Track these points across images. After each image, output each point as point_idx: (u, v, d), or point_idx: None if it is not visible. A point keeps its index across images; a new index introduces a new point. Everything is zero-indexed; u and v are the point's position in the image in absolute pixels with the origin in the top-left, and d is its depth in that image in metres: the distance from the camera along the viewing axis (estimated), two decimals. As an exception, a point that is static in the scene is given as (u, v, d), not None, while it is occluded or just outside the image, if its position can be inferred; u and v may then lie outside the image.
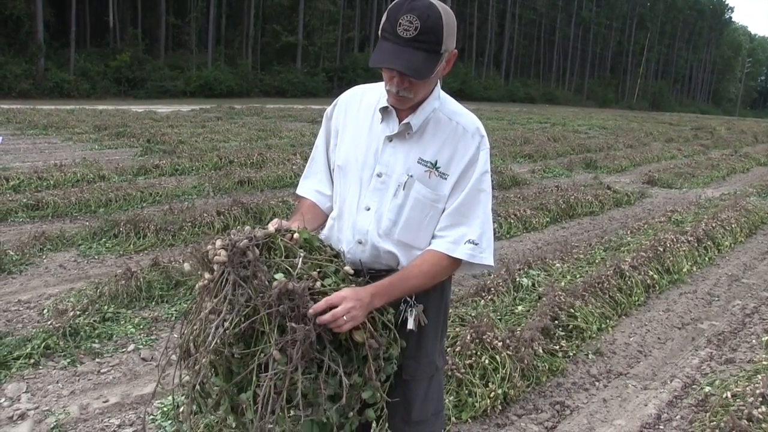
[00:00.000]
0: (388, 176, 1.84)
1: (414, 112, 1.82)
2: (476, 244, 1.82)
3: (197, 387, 1.64)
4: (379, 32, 1.72)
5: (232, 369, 1.62)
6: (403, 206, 1.84)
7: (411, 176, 1.82)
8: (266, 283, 1.56)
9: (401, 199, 1.84)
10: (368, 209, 1.87)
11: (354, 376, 1.65)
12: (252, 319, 1.55)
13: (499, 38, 66.02)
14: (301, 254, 1.66)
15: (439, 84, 1.86)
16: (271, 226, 1.70)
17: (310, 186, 2.07)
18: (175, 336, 1.77)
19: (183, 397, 1.71)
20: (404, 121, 1.82)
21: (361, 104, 1.94)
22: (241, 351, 1.59)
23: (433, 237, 1.87)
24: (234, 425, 1.69)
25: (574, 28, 72.49)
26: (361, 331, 1.66)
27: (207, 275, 1.62)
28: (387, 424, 1.77)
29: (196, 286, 1.67)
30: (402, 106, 1.81)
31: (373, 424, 1.76)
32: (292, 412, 1.58)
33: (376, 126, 1.88)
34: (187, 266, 1.68)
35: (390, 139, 1.84)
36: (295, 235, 1.70)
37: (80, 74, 32.27)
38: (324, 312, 1.59)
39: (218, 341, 1.54)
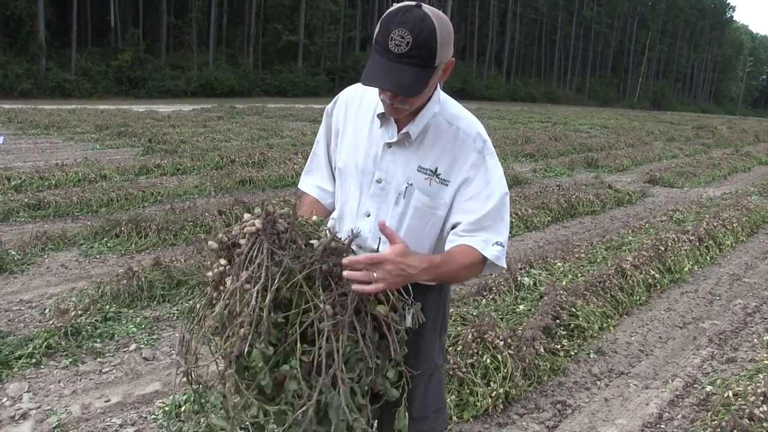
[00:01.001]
0: (387, 183, 1.83)
1: (413, 120, 1.79)
2: (503, 247, 1.83)
3: (240, 359, 1.56)
4: (373, 42, 1.68)
5: (270, 341, 1.56)
6: (404, 214, 1.84)
7: (411, 185, 1.81)
8: (303, 246, 1.56)
9: (402, 207, 1.83)
10: (368, 215, 1.86)
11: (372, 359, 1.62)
12: (298, 277, 1.52)
13: (501, 37, 65.97)
14: (325, 228, 1.67)
15: (439, 87, 1.83)
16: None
17: (311, 181, 2.07)
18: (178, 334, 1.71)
19: (218, 388, 1.64)
20: (403, 131, 1.80)
21: (362, 105, 1.92)
22: (284, 314, 1.54)
23: (460, 236, 1.83)
24: (259, 413, 1.60)
25: (575, 28, 72.42)
26: (383, 305, 1.64)
27: (222, 261, 1.60)
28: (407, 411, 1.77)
29: (211, 273, 1.63)
30: (397, 116, 1.78)
31: (397, 415, 1.76)
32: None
33: (375, 130, 1.86)
34: (213, 243, 1.64)
35: (389, 145, 1.83)
36: (314, 218, 1.71)
37: (81, 74, 32.25)
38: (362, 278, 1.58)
39: (258, 309, 1.50)
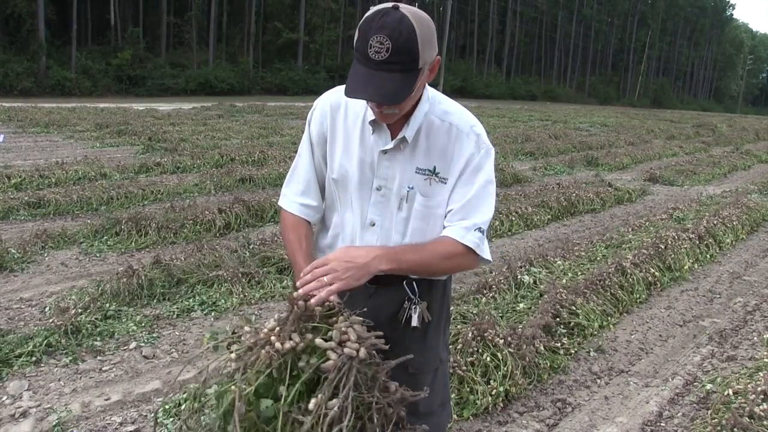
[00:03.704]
0: (388, 189, 1.80)
1: (407, 124, 1.76)
2: (482, 233, 1.79)
3: None
4: (354, 49, 1.61)
5: None
6: (408, 219, 1.82)
7: (411, 188, 1.79)
8: (382, 382, 1.50)
9: (406, 212, 1.81)
10: (373, 225, 1.84)
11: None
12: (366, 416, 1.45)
13: (501, 36, 65.93)
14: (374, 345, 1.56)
15: (427, 85, 1.79)
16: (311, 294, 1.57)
17: (294, 199, 1.94)
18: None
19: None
20: (398, 137, 1.76)
21: (348, 111, 1.85)
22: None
23: (446, 227, 1.81)
24: None
25: (575, 26, 72.38)
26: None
27: (297, 338, 1.47)
28: None
29: (264, 332, 1.49)
30: (389, 121, 1.74)
31: None
32: None
33: (367, 137, 1.81)
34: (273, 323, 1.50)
35: (384, 152, 1.79)
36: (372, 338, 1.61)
37: (81, 72, 32.22)
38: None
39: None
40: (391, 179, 1.80)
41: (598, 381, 3.70)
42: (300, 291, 1.54)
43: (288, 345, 1.47)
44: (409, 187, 1.79)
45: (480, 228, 1.78)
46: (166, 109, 21.51)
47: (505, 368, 3.36)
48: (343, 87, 1.88)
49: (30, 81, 29.11)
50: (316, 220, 1.97)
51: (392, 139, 1.79)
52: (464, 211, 1.79)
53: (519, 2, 65.18)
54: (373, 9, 1.58)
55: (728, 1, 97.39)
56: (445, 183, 1.80)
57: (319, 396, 1.43)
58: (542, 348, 3.74)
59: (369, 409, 1.48)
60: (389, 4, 1.57)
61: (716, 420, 3.09)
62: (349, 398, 1.42)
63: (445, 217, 1.83)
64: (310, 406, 1.42)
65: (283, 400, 1.44)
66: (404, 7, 1.56)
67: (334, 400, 1.42)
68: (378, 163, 1.80)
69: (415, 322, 1.83)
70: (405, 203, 1.81)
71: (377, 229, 1.84)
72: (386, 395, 1.53)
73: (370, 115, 1.77)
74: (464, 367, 3.33)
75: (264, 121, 18.39)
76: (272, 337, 1.47)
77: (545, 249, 6.18)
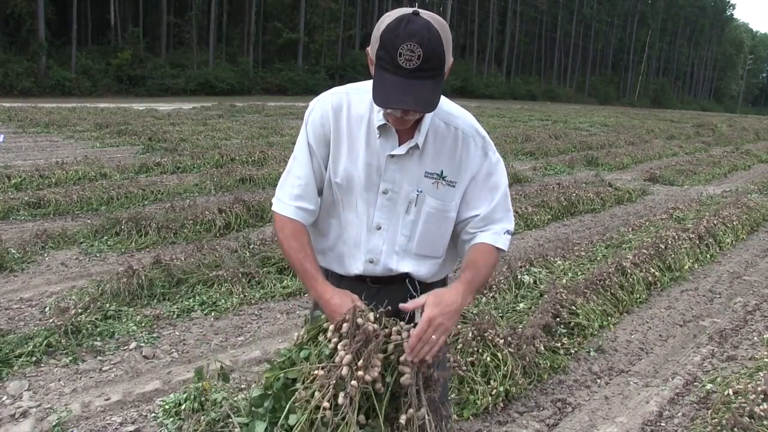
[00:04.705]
0: (395, 193, 1.80)
1: (418, 129, 1.76)
2: (510, 235, 1.88)
3: None
4: (373, 58, 1.60)
5: None
6: (416, 222, 1.83)
7: (420, 192, 1.80)
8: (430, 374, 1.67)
9: (414, 215, 1.82)
10: (379, 228, 1.84)
11: None
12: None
13: (501, 35, 65.92)
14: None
15: None
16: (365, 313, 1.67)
17: (290, 203, 1.87)
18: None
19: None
20: (410, 144, 1.76)
21: (350, 115, 1.81)
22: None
23: (471, 233, 1.87)
24: None
25: (575, 26, 72.38)
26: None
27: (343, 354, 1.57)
28: None
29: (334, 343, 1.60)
30: (405, 126, 1.74)
31: None
32: None
33: (373, 141, 1.78)
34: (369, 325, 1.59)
35: (392, 156, 1.78)
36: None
37: (82, 72, 32.21)
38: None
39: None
40: (398, 183, 1.80)
41: (598, 381, 3.70)
42: (412, 359, 1.59)
43: (375, 373, 1.54)
44: (418, 191, 1.80)
45: (509, 231, 1.88)
46: (166, 109, 21.51)
47: (505, 368, 3.36)
48: (341, 88, 1.88)
49: (30, 81, 29.10)
50: (311, 222, 1.93)
51: (399, 142, 1.78)
52: (491, 218, 1.86)
53: (519, 2, 65.17)
54: (391, 16, 1.57)
55: (728, 1, 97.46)
56: (454, 186, 1.82)
57: (409, 411, 1.55)
58: (542, 348, 3.74)
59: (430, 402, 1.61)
60: (407, 11, 1.56)
61: (716, 420, 3.09)
62: (426, 402, 1.55)
63: (468, 222, 1.87)
64: (402, 421, 1.54)
65: (382, 422, 1.53)
66: (424, 13, 1.56)
67: (422, 410, 1.54)
68: (385, 168, 1.79)
69: (417, 319, 1.85)
70: (414, 206, 1.81)
71: (383, 233, 1.84)
72: (436, 383, 1.66)
73: (378, 119, 1.76)
74: (464, 367, 3.33)
75: (264, 121, 18.39)
76: (360, 372, 1.52)
77: (545, 249, 6.18)
